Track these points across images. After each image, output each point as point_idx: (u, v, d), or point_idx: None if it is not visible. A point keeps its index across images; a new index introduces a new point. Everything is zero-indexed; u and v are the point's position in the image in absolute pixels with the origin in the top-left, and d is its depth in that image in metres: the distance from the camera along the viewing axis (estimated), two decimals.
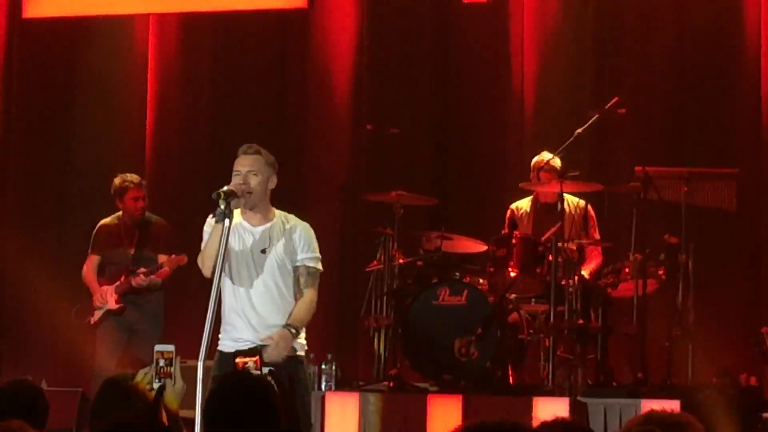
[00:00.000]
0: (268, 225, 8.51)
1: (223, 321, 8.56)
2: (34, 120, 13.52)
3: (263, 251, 8.48)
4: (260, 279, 8.54)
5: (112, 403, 5.76)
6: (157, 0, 13.52)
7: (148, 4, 13.45)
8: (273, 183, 8.49)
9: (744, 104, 12.01)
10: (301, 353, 8.67)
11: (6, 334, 13.00)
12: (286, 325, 8.34)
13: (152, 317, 11.16)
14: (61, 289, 12.04)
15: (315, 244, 8.61)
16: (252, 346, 8.53)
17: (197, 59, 13.33)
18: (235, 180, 8.29)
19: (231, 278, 8.54)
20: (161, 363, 6.50)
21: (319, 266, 8.55)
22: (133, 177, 11.27)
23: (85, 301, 11.42)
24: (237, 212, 8.51)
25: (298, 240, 8.51)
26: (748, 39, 11.93)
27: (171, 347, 6.69)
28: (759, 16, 11.83)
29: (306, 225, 8.62)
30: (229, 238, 8.34)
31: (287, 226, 8.62)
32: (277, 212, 8.66)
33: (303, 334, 8.74)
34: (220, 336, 8.56)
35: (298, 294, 8.49)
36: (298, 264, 8.51)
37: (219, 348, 8.54)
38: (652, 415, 4.68)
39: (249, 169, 8.30)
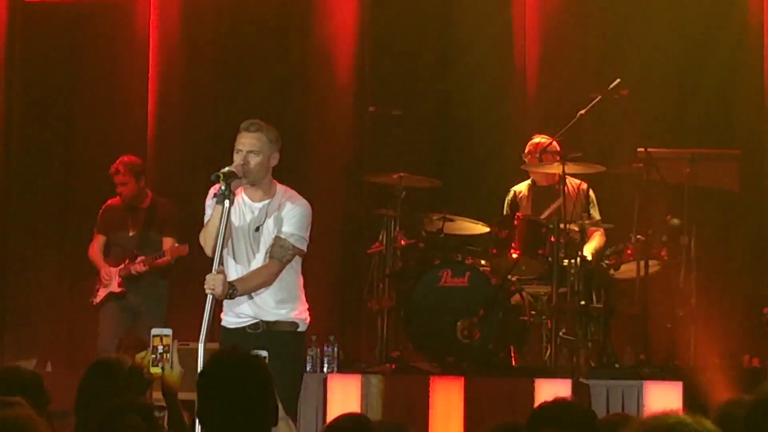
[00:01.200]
0: (267, 202, 8.52)
1: (233, 295, 8.51)
2: (36, 102, 13.55)
3: (257, 229, 8.50)
4: (257, 256, 8.56)
5: (100, 386, 5.72)
6: None
7: None
8: (275, 160, 8.48)
9: (747, 86, 12.05)
10: (302, 329, 8.73)
11: (11, 317, 13.02)
12: (230, 283, 8.28)
13: (155, 300, 11.21)
14: (65, 272, 12.12)
15: (303, 223, 8.57)
16: (239, 326, 8.61)
17: (199, 41, 13.32)
18: (236, 158, 8.30)
19: (232, 255, 8.59)
20: (159, 348, 6.50)
21: (298, 244, 8.51)
22: (118, 164, 11.34)
23: (90, 281, 11.50)
24: (242, 198, 8.55)
25: (285, 215, 8.50)
26: (751, 21, 11.93)
27: (168, 331, 6.68)
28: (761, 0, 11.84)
29: (301, 203, 8.59)
30: (231, 214, 8.38)
31: (281, 202, 8.61)
32: (279, 189, 8.63)
33: (305, 308, 8.80)
34: (222, 312, 8.61)
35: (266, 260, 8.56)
36: (278, 234, 8.49)
37: (222, 324, 8.61)
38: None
39: (250, 148, 8.29)
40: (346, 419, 6.30)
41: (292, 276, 8.70)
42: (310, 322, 8.71)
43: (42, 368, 11.29)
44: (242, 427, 4.62)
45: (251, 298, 8.55)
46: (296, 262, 8.70)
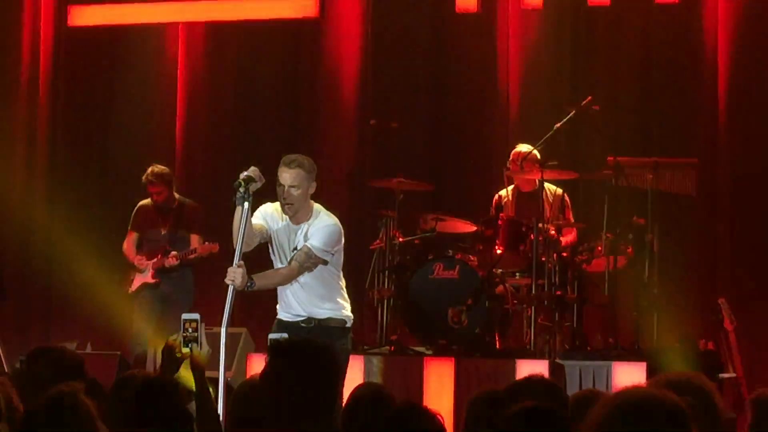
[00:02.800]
0: (305, 224, 8.57)
1: (279, 297, 8.84)
2: (78, 115, 13.57)
3: (294, 249, 8.61)
4: None
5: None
6: (183, 10, 13.51)
7: (176, 14, 13.52)
8: (313, 189, 8.65)
9: (703, 103, 12.04)
10: (341, 320, 8.84)
11: (57, 305, 13.09)
12: (250, 276, 8.40)
13: (184, 290, 11.23)
14: (103, 265, 12.08)
15: (327, 238, 8.61)
16: (294, 321, 8.69)
17: (221, 62, 13.35)
18: (279, 191, 8.47)
19: (279, 260, 8.76)
20: (188, 330, 6.52)
21: (320, 254, 8.56)
22: (150, 175, 11.36)
23: (124, 272, 11.53)
24: (277, 214, 8.59)
25: (314, 230, 8.54)
26: (706, 46, 11.95)
27: (196, 316, 6.69)
28: (716, 25, 11.82)
29: (329, 222, 8.66)
30: (280, 234, 8.68)
31: (313, 222, 8.64)
32: (315, 211, 8.70)
33: (348, 308, 8.94)
34: (278, 308, 8.84)
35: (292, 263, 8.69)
36: (305, 244, 8.54)
37: (278, 317, 8.79)
38: (670, 379, 4.68)
39: (291, 183, 8.40)
40: (365, 386, 6.48)
41: (335, 279, 8.83)
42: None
43: (83, 349, 11.35)
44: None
45: (297, 300, 8.70)
46: (336, 268, 8.82)
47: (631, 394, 3.48)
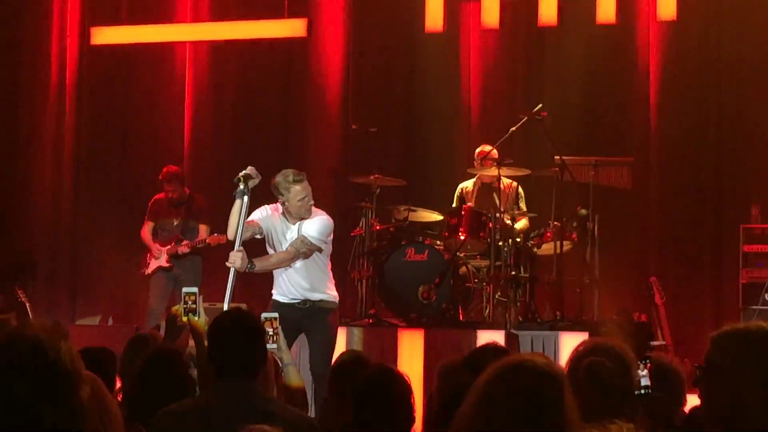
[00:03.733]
0: (300, 222, 8.66)
1: (275, 281, 8.94)
2: (100, 123, 13.53)
3: (296, 238, 8.73)
4: None
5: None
6: (190, 31, 13.49)
7: (183, 35, 13.51)
8: (311, 198, 8.77)
9: (636, 110, 12.07)
10: (331, 302, 8.92)
11: (82, 285, 13.06)
12: (250, 260, 8.51)
13: (193, 272, 11.27)
14: (122, 250, 12.19)
15: (320, 229, 8.70)
16: (290, 302, 8.78)
17: (223, 75, 13.35)
18: (304, 202, 8.63)
19: (275, 248, 8.84)
20: (188, 302, 6.62)
21: (314, 242, 8.67)
22: (166, 174, 11.47)
23: (141, 256, 11.57)
24: (279, 211, 8.68)
25: (309, 223, 8.63)
26: (639, 62, 11.98)
27: (195, 289, 6.82)
28: (648, 44, 11.85)
29: (322, 216, 8.74)
30: (276, 228, 8.81)
31: (309, 217, 8.72)
32: (314, 211, 8.81)
33: (331, 287, 9.02)
34: (273, 291, 8.92)
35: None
36: (301, 233, 8.63)
37: (273, 298, 8.88)
38: (597, 345, 4.70)
39: (308, 194, 8.59)
40: (347, 353, 6.69)
41: (325, 266, 8.94)
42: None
43: (105, 322, 11.53)
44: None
45: (289, 283, 8.77)
46: (326, 257, 8.92)
47: (512, 359, 3.50)
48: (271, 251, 8.86)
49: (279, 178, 8.61)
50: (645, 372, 6.08)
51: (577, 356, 4.47)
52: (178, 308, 6.84)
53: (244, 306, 12.07)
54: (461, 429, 3.35)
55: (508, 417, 3.20)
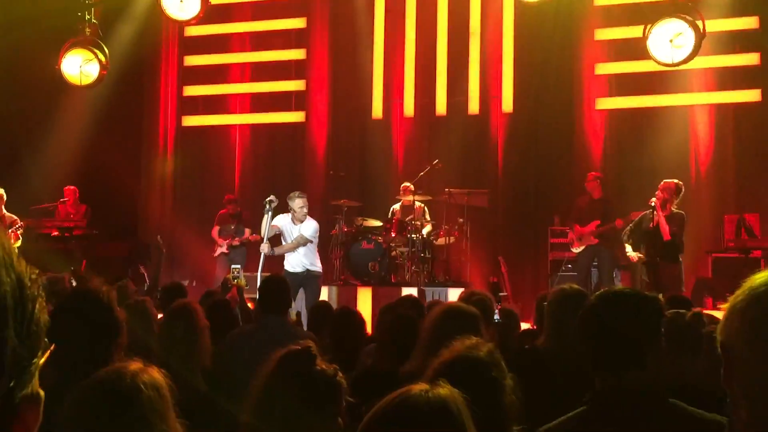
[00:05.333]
0: (300, 224, 8.88)
1: (285, 259, 9.03)
2: (188, 168, 13.41)
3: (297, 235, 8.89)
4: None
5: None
6: (238, 118, 13.34)
7: (234, 120, 13.35)
8: (307, 209, 8.94)
9: (491, 164, 11.98)
10: (318, 272, 9.11)
11: (178, 261, 12.81)
12: (271, 248, 8.83)
13: (240, 255, 11.27)
14: (202, 241, 12.08)
15: (311, 229, 8.97)
16: (295, 271, 8.94)
17: (257, 142, 13.22)
18: (303, 210, 8.89)
19: (286, 242, 9.02)
20: (235, 272, 6.84)
21: (309, 237, 8.95)
22: (226, 199, 11.57)
23: (212, 245, 11.56)
24: (288, 218, 8.85)
25: (305, 227, 8.86)
26: (491, 135, 11.95)
27: (239, 266, 7.06)
28: (498, 124, 11.90)
29: (312, 223, 8.95)
30: (287, 229, 8.97)
31: (305, 223, 8.96)
32: (308, 219, 8.98)
33: (318, 263, 9.10)
34: (284, 263, 9.03)
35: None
36: (300, 233, 8.86)
37: (285, 268, 8.98)
38: (471, 292, 4.92)
39: (305, 205, 8.85)
40: (323, 302, 6.78)
41: (315, 251, 9.13)
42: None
43: (191, 284, 11.36)
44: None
45: (294, 259, 8.91)
46: (316, 246, 9.13)
47: (448, 305, 3.64)
48: (284, 242, 9.11)
49: (291, 195, 8.96)
50: (497, 310, 6.43)
51: (461, 300, 4.59)
52: (230, 276, 7.10)
53: (268, 274, 12.36)
54: (422, 346, 3.29)
55: (449, 333, 3.24)
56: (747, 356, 1.19)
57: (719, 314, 1.29)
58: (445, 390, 1.53)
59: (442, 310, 3.39)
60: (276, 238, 9.18)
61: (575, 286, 3.83)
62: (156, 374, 1.98)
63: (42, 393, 0.84)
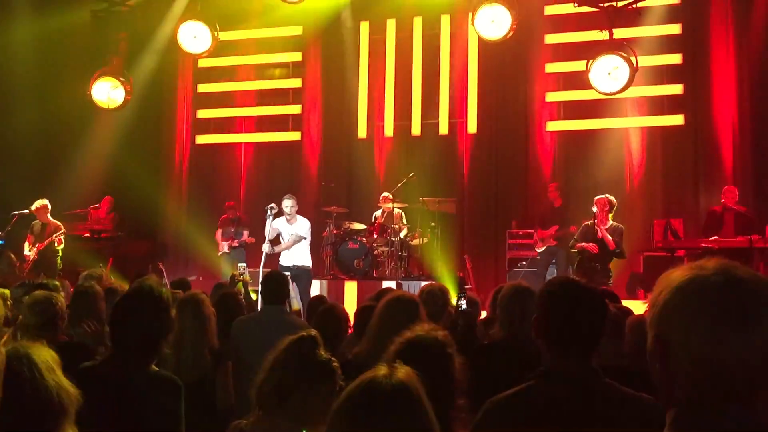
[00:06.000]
0: (294, 224, 8.87)
1: (281, 256, 9.02)
2: (199, 179, 13.17)
3: (291, 234, 8.85)
4: (287, 240, 8.96)
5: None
6: (242, 137, 13.26)
7: (239, 139, 13.27)
8: (296, 208, 8.82)
9: (458, 177, 11.96)
10: (307, 267, 9.02)
11: (190, 258, 12.68)
12: (271, 247, 8.72)
13: (240, 255, 11.07)
14: (207, 240, 11.90)
15: (305, 229, 8.95)
16: (288, 265, 8.90)
17: (259, 158, 13.15)
18: (293, 209, 8.86)
19: (283, 240, 8.97)
20: (241, 268, 6.79)
21: (303, 235, 8.93)
22: (226, 206, 11.42)
23: (214, 245, 11.45)
24: (284, 219, 8.84)
25: (297, 226, 8.86)
26: (458, 152, 12.01)
27: (244, 264, 7.00)
28: (465, 145, 11.88)
29: (306, 222, 8.96)
30: (283, 228, 9.04)
31: (297, 222, 8.96)
32: (299, 218, 8.97)
33: (308, 259, 9.04)
34: (280, 259, 9.02)
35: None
36: (294, 231, 8.84)
37: (280, 263, 8.99)
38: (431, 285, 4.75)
39: (293, 204, 8.75)
40: (317, 297, 6.47)
41: (308, 248, 9.11)
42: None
43: (197, 279, 11.21)
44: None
45: (290, 257, 8.90)
46: (308, 243, 9.16)
47: (392, 294, 3.47)
48: (282, 241, 9.11)
49: (284, 197, 8.97)
50: (463, 300, 6.37)
51: (423, 290, 4.54)
52: (236, 271, 7.07)
53: (269, 269, 12.27)
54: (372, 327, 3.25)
55: (393, 318, 3.14)
56: (683, 341, 1.18)
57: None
58: (402, 373, 1.54)
59: (386, 300, 3.32)
60: (277, 239, 9.20)
61: (524, 283, 3.81)
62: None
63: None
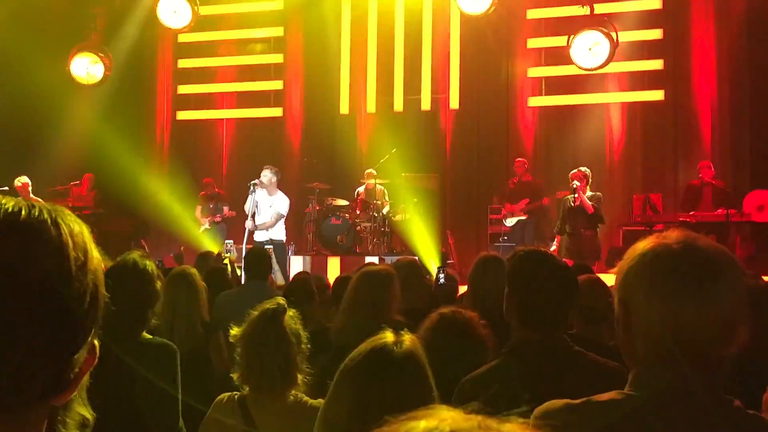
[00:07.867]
0: (272, 197, 8.94)
1: (256, 231, 8.98)
2: (180, 156, 13.08)
3: (269, 207, 8.86)
4: (264, 215, 9.05)
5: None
6: (224, 113, 13.27)
7: (220, 114, 13.28)
8: (275, 179, 8.79)
9: (440, 152, 11.97)
10: (280, 240, 9.11)
11: (173, 234, 12.28)
12: (254, 224, 8.81)
13: (222, 230, 11.15)
14: (190, 218, 11.81)
15: (284, 205, 9.02)
16: (263, 240, 8.94)
17: (242, 134, 13.12)
18: (272, 181, 8.89)
19: (260, 214, 9.00)
20: (227, 246, 6.90)
21: (282, 212, 8.97)
22: (204, 183, 11.44)
23: (195, 221, 11.44)
24: (265, 192, 8.90)
25: (276, 202, 8.93)
26: (441, 128, 11.98)
27: (231, 241, 7.08)
28: (447, 120, 11.94)
29: (285, 199, 9.01)
30: (262, 200, 8.90)
31: (277, 197, 9.02)
32: (278, 192, 9.02)
33: (282, 232, 9.01)
34: (254, 235, 8.97)
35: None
36: (275, 209, 8.91)
37: (255, 239, 8.98)
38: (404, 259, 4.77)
39: (273, 176, 8.78)
40: (301, 272, 6.37)
41: (282, 224, 9.15)
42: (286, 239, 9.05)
43: (179, 251, 11.15)
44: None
45: (267, 231, 8.98)
46: (284, 219, 9.16)
47: (364, 269, 3.47)
48: (256, 212, 9.09)
49: (264, 169, 9.02)
50: (443, 274, 6.54)
51: (395, 265, 4.40)
52: (222, 249, 7.19)
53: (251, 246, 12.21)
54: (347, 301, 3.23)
55: (365, 291, 3.19)
56: (643, 303, 1.26)
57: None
58: (409, 340, 1.64)
59: (359, 274, 3.37)
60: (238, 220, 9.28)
61: (493, 253, 3.83)
62: None
63: (97, 343, 0.89)
